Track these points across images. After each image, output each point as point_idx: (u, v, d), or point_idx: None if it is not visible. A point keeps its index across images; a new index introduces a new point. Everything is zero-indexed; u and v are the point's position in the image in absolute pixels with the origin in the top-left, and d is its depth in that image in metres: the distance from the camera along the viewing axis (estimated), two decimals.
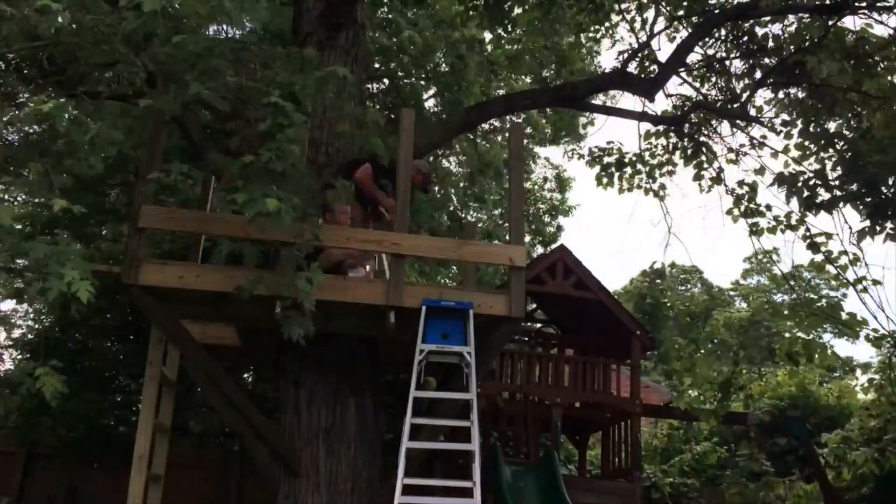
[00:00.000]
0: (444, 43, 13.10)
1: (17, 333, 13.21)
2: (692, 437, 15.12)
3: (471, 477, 5.14)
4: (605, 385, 11.18)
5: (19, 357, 12.02)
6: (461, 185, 16.11)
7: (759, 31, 9.27)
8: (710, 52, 9.87)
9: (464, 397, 5.59)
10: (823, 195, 7.87)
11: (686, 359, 11.53)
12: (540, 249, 18.79)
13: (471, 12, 11.60)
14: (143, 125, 4.84)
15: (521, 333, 12.08)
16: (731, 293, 37.42)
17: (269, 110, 4.55)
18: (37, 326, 12.43)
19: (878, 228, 7.50)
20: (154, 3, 4.04)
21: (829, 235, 8.62)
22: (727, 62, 9.72)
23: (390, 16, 12.82)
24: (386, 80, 13.71)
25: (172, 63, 4.42)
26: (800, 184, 7.99)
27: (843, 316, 9.63)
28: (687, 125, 9.93)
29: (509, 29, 11.49)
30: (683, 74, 9.98)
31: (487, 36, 13.06)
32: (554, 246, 14.51)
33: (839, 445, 11.08)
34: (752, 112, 9.59)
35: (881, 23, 8.50)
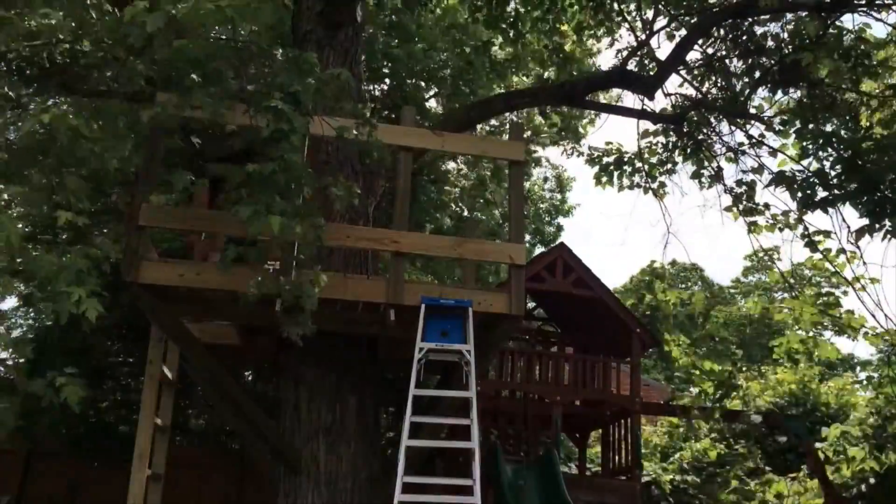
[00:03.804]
0: (451, 46, 13.14)
1: (16, 332, 13.22)
2: (692, 434, 15.14)
3: (471, 475, 5.15)
4: (605, 383, 11.21)
5: (15, 358, 12.00)
6: (464, 185, 16.13)
7: (759, 30, 9.28)
8: (710, 50, 9.87)
9: (463, 395, 5.60)
10: (822, 193, 7.87)
11: (690, 356, 11.54)
12: (540, 249, 18.82)
13: (476, 15, 11.63)
14: (145, 128, 4.83)
15: (520, 332, 12.10)
16: (732, 291, 37.48)
17: (271, 115, 4.54)
18: (36, 325, 12.44)
19: (876, 227, 7.51)
20: (158, 22, 4.05)
21: (827, 234, 8.64)
22: (726, 61, 9.72)
23: (394, 17, 12.85)
24: (388, 81, 13.73)
25: (172, 68, 4.42)
26: (797, 184, 7.99)
27: (842, 313, 9.66)
28: (686, 123, 9.93)
29: (510, 32, 11.50)
30: (683, 73, 9.99)
31: (494, 38, 13.08)
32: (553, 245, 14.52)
33: (838, 440, 11.09)
34: (752, 111, 9.60)
35: (880, 20, 8.51)
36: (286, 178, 4.50)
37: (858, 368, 29.80)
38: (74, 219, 4.20)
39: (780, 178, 8.10)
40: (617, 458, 11.53)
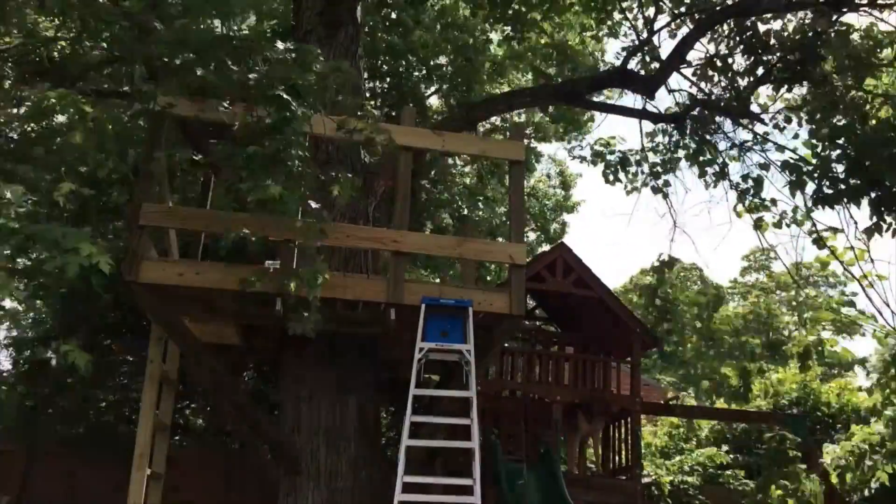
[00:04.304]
0: (451, 44, 13.15)
1: (16, 332, 13.21)
2: (692, 435, 15.12)
3: (471, 474, 5.15)
4: (606, 383, 11.19)
5: (17, 356, 11.99)
6: (466, 182, 16.12)
7: (762, 28, 9.26)
8: (712, 48, 9.86)
9: (463, 395, 5.59)
10: (828, 190, 7.85)
11: (699, 353, 11.50)
12: (545, 247, 18.77)
13: (475, 12, 11.63)
14: (143, 120, 4.82)
15: (521, 331, 12.09)
16: (731, 291, 37.46)
17: (273, 104, 4.54)
18: (37, 325, 12.42)
19: (883, 225, 7.50)
20: None
21: (835, 230, 8.59)
22: (729, 59, 9.70)
23: (394, 15, 12.85)
24: (388, 79, 13.73)
25: (175, 52, 4.40)
26: (805, 174, 7.97)
27: (848, 314, 9.62)
28: (689, 122, 9.91)
29: (512, 31, 11.50)
30: (685, 71, 9.97)
31: (494, 37, 13.10)
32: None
33: (846, 456, 10.96)
34: (756, 109, 9.58)
35: (881, 20, 8.51)
36: (289, 155, 4.50)
37: (858, 367, 29.77)
38: (79, 189, 4.18)
39: (789, 166, 8.07)
40: (617, 458, 11.52)
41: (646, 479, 12.41)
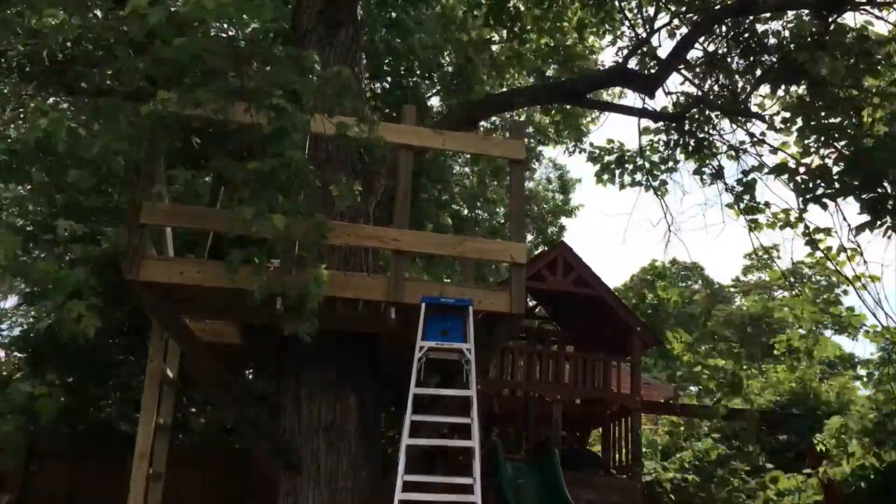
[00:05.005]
0: (451, 45, 13.16)
1: (17, 331, 13.21)
2: (693, 433, 15.14)
3: (471, 473, 5.15)
4: (606, 381, 11.21)
5: (17, 356, 11.99)
6: (466, 183, 16.12)
7: (760, 28, 9.28)
8: (711, 48, 9.87)
9: (464, 394, 5.60)
10: (823, 188, 7.86)
11: (694, 353, 11.54)
12: (541, 249, 18.84)
13: (474, 11, 11.63)
14: (145, 125, 4.82)
15: (521, 330, 12.11)
16: (732, 290, 37.43)
17: (272, 112, 4.53)
18: (35, 322, 12.40)
19: (877, 223, 7.50)
20: (159, 15, 4.04)
21: (827, 231, 8.63)
22: (728, 59, 9.71)
23: (394, 15, 12.88)
24: (389, 79, 13.73)
25: (174, 65, 4.40)
26: (799, 178, 7.98)
27: (842, 311, 9.66)
28: (687, 121, 9.93)
29: (512, 29, 11.50)
30: (684, 71, 9.98)
31: (494, 36, 13.10)
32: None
33: (837, 432, 11.05)
34: (754, 109, 9.60)
35: (881, 18, 8.51)
36: (287, 174, 4.49)
37: (859, 367, 29.77)
38: (74, 228, 4.21)
39: (781, 169, 8.08)
40: (617, 456, 11.54)
41: (646, 478, 12.43)
